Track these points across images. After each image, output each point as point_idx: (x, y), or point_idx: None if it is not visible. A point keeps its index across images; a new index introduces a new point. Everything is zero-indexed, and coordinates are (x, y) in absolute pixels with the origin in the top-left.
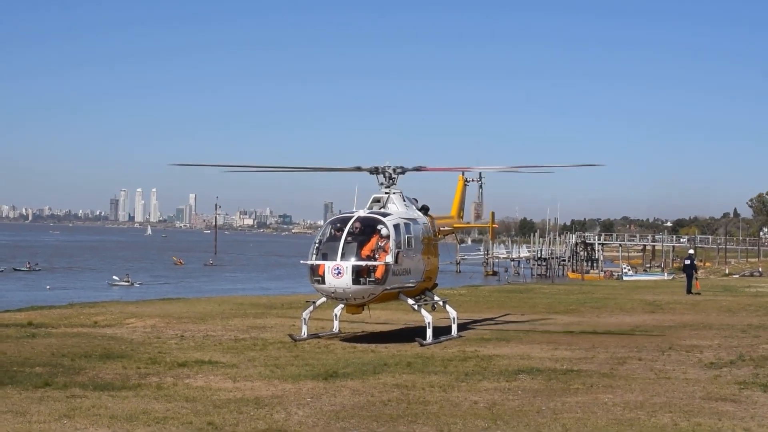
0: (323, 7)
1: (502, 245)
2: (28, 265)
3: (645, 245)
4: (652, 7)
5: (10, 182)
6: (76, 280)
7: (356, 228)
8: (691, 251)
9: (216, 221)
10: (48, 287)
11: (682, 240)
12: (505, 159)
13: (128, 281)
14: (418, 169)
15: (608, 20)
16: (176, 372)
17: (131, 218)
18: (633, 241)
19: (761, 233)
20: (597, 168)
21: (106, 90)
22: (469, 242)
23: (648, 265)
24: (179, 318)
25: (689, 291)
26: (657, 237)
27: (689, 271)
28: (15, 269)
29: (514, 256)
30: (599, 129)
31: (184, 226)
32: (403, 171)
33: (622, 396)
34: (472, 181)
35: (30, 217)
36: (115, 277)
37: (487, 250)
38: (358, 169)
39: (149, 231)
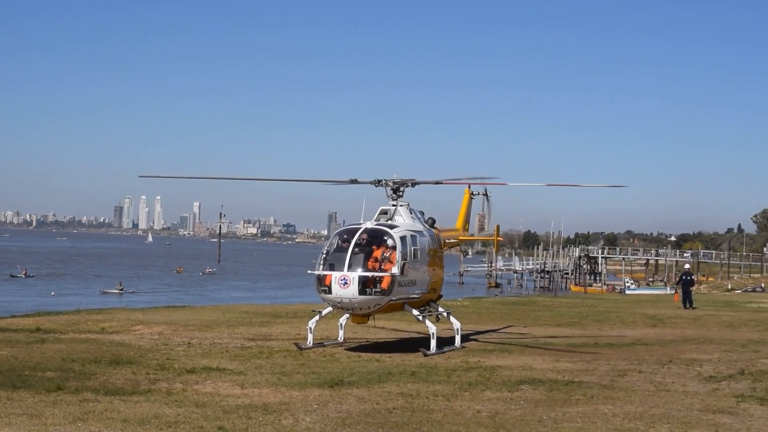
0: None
1: (502, 258)
2: (24, 272)
3: (648, 259)
4: (660, 19)
5: (15, 188)
6: (79, 287)
7: (363, 239)
8: (687, 266)
9: (220, 230)
10: (53, 293)
11: (685, 255)
12: (503, 171)
13: (121, 289)
14: (438, 182)
15: (608, 32)
16: (185, 378)
17: (135, 226)
18: (636, 255)
19: (765, 249)
20: (601, 181)
21: (112, 96)
22: (471, 254)
23: (651, 280)
24: (185, 325)
25: (686, 305)
26: (660, 251)
27: (686, 286)
28: (12, 276)
29: (517, 269)
30: (605, 141)
31: (188, 234)
32: (415, 183)
33: (622, 407)
34: (478, 194)
35: (34, 223)
36: (112, 289)
37: (491, 262)
38: (376, 182)
39: (150, 238)
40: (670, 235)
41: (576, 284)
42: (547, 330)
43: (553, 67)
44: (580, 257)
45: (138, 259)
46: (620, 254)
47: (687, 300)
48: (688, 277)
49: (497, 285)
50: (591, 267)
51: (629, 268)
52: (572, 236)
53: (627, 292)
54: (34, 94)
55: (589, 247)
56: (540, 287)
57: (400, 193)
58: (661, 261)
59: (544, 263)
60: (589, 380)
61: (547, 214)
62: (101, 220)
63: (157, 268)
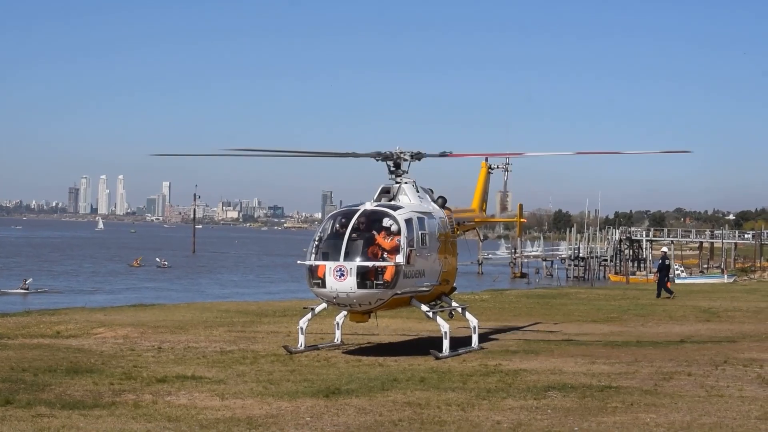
0: None
1: (534, 242)
2: None
3: (702, 242)
4: None
5: None
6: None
7: (362, 223)
8: (665, 249)
9: (195, 214)
10: None
11: (746, 236)
12: (523, 141)
13: (26, 288)
14: (443, 154)
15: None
16: (155, 388)
17: (94, 210)
18: (688, 237)
19: None
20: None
21: (69, 52)
22: (489, 238)
23: (705, 266)
24: (155, 327)
25: (660, 295)
26: (716, 233)
27: (663, 272)
28: None
29: (533, 254)
30: (648, 102)
31: (157, 219)
32: (420, 157)
33: (667, 416)
34: (497, 168)
35: None
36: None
37: (515, 248)
38: (377, 155)
39: (101, 225)
40: (728, 213)
41: (616, 273)
42: (581, 327)
43: None
44: (620, 241)
45: (94, 249)
46: (668, 237)
47: (661, 288)
48: (666, 262)
49: (523, 275)
50: (634, 252)
51: (679, 252)
52: (611, 216)
53: (676, 281)
54: None
55: (632, 229)
56: (573, 277)
57: (405, 169)
58: (718, 244)
59: (578, 248)
60: (628, 385)
61: (581, 190)
62: (53, 204)
63: (118, 259)
